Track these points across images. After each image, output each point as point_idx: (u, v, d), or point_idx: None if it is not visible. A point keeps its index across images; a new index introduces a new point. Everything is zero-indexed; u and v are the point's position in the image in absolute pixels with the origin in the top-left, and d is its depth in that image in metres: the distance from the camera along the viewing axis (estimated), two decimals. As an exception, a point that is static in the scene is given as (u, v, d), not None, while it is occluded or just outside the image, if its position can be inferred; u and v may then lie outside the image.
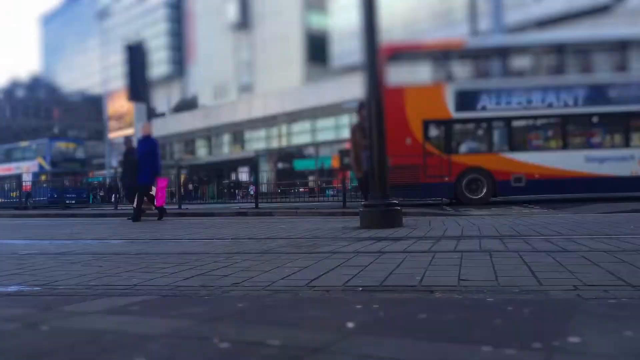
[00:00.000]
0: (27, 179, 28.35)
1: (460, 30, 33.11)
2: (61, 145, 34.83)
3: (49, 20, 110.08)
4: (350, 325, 1.86)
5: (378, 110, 7.00)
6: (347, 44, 45.65)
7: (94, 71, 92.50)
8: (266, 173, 34.73)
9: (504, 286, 2.64)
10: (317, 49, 58.16)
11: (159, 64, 70.42)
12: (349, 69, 40.93)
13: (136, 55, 15.10)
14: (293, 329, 1.84)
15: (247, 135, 51.48)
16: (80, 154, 34.85)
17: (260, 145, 49.50)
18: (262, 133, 50.42)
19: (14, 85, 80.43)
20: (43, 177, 29.56)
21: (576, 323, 1.86)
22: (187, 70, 76.85)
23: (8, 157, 35.02)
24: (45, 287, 3.01)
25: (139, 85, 15.02)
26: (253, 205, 14.51)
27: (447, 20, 42.29)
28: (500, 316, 1.97)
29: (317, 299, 2.51)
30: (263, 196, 17.79)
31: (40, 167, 31.82)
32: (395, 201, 7.23)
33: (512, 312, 2.05)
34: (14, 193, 24.56)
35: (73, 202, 26.73)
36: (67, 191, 26.07)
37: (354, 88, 21.73)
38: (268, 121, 48.15)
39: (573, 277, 2.81)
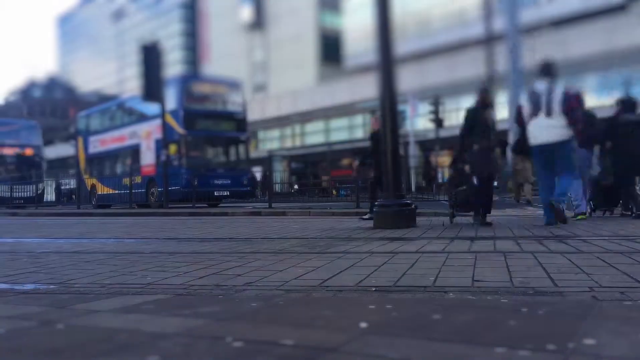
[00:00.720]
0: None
1: (474, 30, 32.95)
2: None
3: (65, 20, 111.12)
4: (363, 325, 1.85)
5: (391, 110, 6.99)
6: (361, 43, 45.55)
7: (110, 71, 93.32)
8: (279, 173, 34.78)
9: (518, 287, 2.62)
10: (330, 49, 58.14)
11: (173, 64, 70.82)
12: (362, 69, 40.86)
13: (151, 56, 15.24)
14: (306, 328, 1.84)
15: (261, 135, 51.58)
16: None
17: (273, 145, 49.58)
18: (275, 133, 50.50)
19: (31, 85, 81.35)
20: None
21: (591, 325, 1.84)
22: (201, 70, 77.24)
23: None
24: (60, 286, 3.04)
25: (153, 85, 15.14)
26: (266, 205, 14.53)
27: (461, 20, 42.11)
28: (514, 317, 1.96)
29: (330, 299, 2.51)
30: (276, 196, 17.82)
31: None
32: (408, 201, 7.21)
33: (527, 313, 2.03)
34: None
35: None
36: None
37: (367, 88, 21.71)
38: (281, 121, 48.21)
39: (588, 278, 2.79)
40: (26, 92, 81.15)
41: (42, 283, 3.14)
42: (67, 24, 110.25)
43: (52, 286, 3.03)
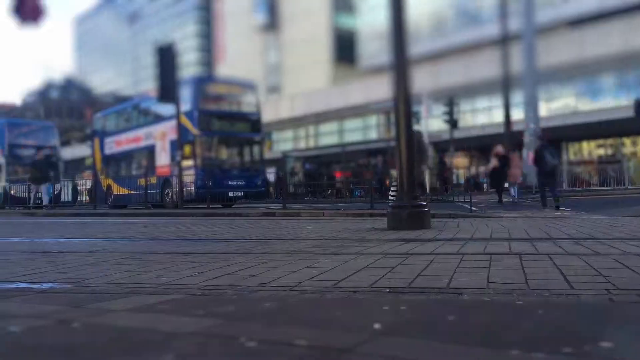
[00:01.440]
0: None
1: (489, 30, 32.77)
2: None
3: (82, 22, 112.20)
4: (377, 326, 1.85)
5: (406, 110, 6.97)
6: (375, 44, 45.50)
7: (125, 72, 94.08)
8: (293, 174, 34.81)
9: (534, 289, 2.60)
10: (345, 49, 58.12)
11: (188, 66, 71.25)
12: (376, 70, 40.81)
13: (167, 57, 15.33)
14: (320, 329, 1.84)
15: (275, 136, 51.68)
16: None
17: (287, 146, 49.65)
18: (289, 134, 50.56)
19: (48, 87, 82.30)
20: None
21: (608, 327, 1.82)
22: (216, 71, 77.60)
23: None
24: (76, 285, 3.07)
25: (169, 86, 15.24)
26: (280, 206, 14.56)
27: (476, 20, 41.88)
28: (530, 319, 1.94)
29: (344, 300, 2.51)
30: (290, 197, 17.84)
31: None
32: (423, 203, 7.19)
33: (542, 315, 2.01)
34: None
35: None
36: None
37: (381, 89, 21.68)
38: (295, 122, 48.25)
39: (605, 280, 2.76)
40: (43, 93, 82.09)
41: (58, 282, 3.18)
42: (83, 26, 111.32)
43: (68, 285, 3.06)
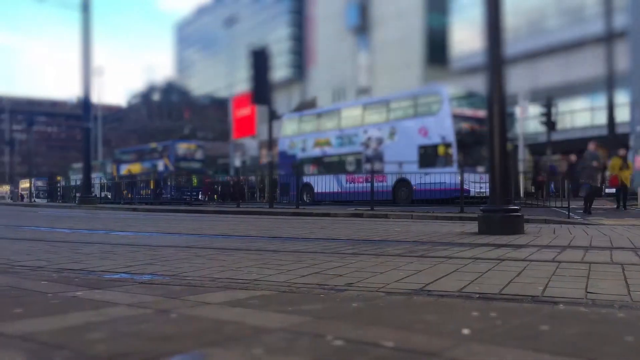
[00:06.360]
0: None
1: (593, 28, 31.00)
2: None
3: (182, 27, 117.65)
4: (465, 331, 1.81)
5: (500, 111, 6.76)
6: (468, 44, 44.35)
7: (220, 74, 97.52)
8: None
9: (637, 302, 2.45)
10: (436, 50, 57.04)
11: (280, 68, 72.75)
12: (469, 71, 39.77)
13: (260, 60, 15.76)
14: (407, 331, 1.83)
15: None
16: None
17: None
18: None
19: (151, 89, 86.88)
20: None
21: None
22: (307, 74, 78.68)
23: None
24: (174, 278, 3.24)
25: (262, 89, 15.67)
26: (368, 207, 14.56)
27: (578, 17, 39.75)
28: (631, 333, 1.83)
29: (431, 303, 2.47)
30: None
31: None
32: (516, 207, 6.94)
33: (646, 330, 1.89)
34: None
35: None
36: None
37: (474, 89, 21.10)
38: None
39: None
40: (146, 96, 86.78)
41: (157, 274, 3.36)
42: (183, 31, 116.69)
43: (166, 278, 3.23)
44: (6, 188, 62.95)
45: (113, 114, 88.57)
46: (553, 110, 25.14)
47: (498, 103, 6.74)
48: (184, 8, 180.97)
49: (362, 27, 67.14)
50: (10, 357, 1.53)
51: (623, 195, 14.92)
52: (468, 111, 20.61)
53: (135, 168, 36.27)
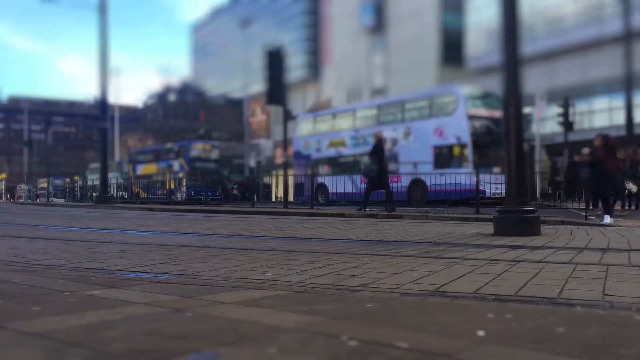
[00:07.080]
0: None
1: (611, 28, 30.63)
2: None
3: (198, 29, 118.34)
4: (481, 333, 1.80)
5: (517, 112, 6.70)
6: (483, 44, 44.07)
7: (235, 75, 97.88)
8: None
9: (656, 305, 2.41)
10: (452, 50, 56.70)
11: (295, 69, 72.79)
12: (485, 70, 39.47)
13: (275, 61, 15.78)
14: (421, 332, 1.82)
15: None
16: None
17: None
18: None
19: (167, 90, 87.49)
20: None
21: None
22: (322, 74, 78.66)
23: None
24: (189, 277, 3.25)
25: (277, 89, 15.70)
26: (383, 207, 14.50)
27: (596, 16, 39.29)
28: (650, 337, 1.80)
29: (446, 305, 2.46)
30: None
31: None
32: (532, 208, 6.88)
33: (665, 333, 1.86)
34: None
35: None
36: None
37: (490, 90, 20.95)
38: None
39: None
40: (162, 97, 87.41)
41: (173, 274, 3.38)
42: (199, 33, 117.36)
43: (182, 277, 3.25)
44: (25, 187, 63.76)
45: (129, 114, 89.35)
46: (570, 110, 24.87)
47: (514, 103, 6.69)
48: (201, 12, 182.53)
49: (377, 26, 66.96)
50: (27, 354, 1.55)
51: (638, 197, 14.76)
52: (484, 111, 20.50)
53: (151, 168, 36.62)
